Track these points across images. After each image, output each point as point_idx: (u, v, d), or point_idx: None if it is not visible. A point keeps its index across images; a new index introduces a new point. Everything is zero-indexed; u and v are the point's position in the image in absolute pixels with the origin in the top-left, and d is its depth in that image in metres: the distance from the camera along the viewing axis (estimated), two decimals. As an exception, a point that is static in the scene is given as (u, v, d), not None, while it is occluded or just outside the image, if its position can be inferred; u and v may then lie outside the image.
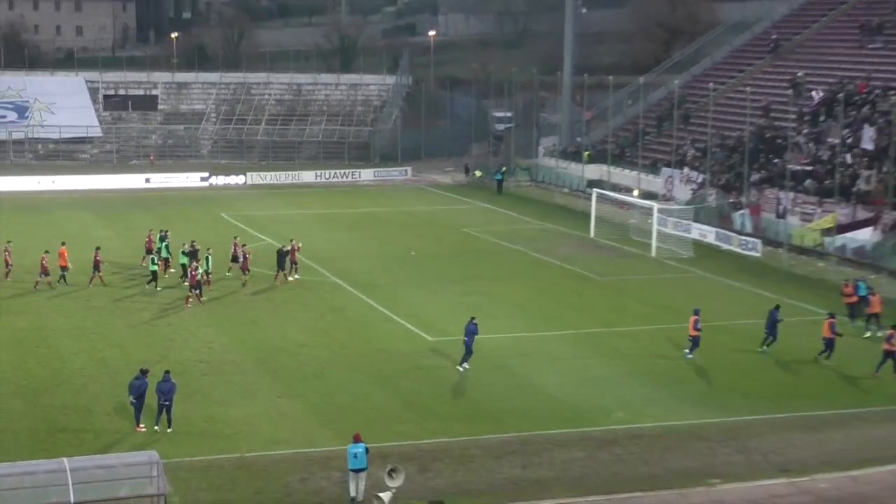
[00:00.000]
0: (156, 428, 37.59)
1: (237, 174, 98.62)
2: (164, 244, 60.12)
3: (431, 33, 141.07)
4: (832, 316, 46.19)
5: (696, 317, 46.61)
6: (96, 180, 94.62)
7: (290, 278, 59.02)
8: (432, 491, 33.36)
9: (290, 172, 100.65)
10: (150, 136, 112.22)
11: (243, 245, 59.95)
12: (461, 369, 44.62)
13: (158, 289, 56.74)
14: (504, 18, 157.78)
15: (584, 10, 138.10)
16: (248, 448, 36.42)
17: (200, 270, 55.08)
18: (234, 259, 59.68)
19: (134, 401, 37.61)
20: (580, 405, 41.08)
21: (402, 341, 48.99)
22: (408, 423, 38.96)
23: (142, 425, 37.55)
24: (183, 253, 58.08)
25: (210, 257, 56.97)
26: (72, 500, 28.90)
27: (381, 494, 31.84)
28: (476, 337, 44.68)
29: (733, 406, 41.11)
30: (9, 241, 60.38)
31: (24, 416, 39.14)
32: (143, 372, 38.08)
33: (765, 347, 47.27)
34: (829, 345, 45.58)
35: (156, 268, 57.38)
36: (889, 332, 44.37)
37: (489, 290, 58.49)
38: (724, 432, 38.45)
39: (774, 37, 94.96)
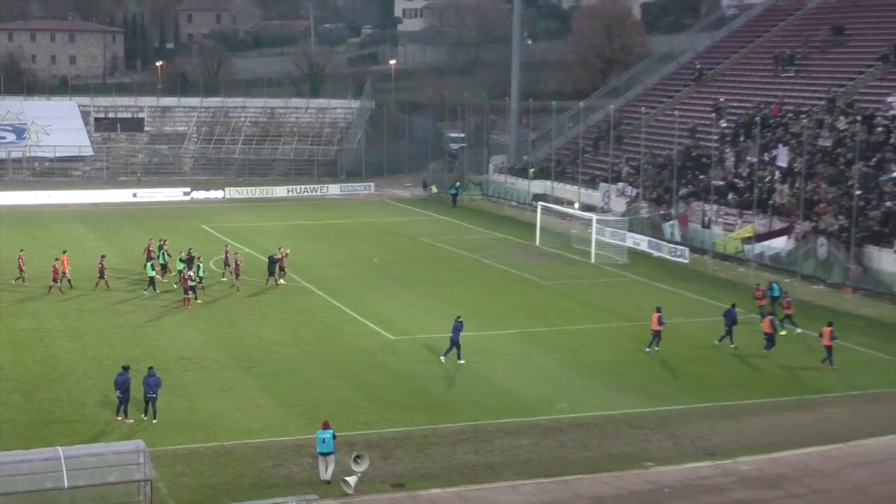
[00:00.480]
0: (143, 418, 37.41)
1: (216, 189, 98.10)
2: (162, 252, 59.98)
3: (392, 62, 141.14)
4: (830, 324, 45.48)
5: (658, 314, 46.94)
6: (88, 195, 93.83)
7: (279, 283, 58.75)
8: (394, 475, 33.29)
9: (264, 187, 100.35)
10: (137, 155, 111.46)
11: (235, 253, 59.85)
12: (443, 360, 44.98)
13: (157, 292, 56.50)
14: (457, 49, 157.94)
15: (529, 42, 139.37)
16: (227, 437, 36.25)
17: (192, 275, 54.91)
18: (226, 264, 59.60)
19: (120, 395, 37.39)
20: (527, 397, 41.11)
21: (365, 340, 48.86)
22: (371, 414, 38.85)
23: (122, 417, 37.33)
24: (180, 260, 57.69)
25: (201, 265, 56.76)
26: (66, 485, 28.74)
27: (347, 478, 31.77)
28: (461, 333, 45.01)
29: (664, 397, 41.28)
30: (21, 250, 60.09)
31: (22, 408, 38.84)
32: (126, 368, 37.85)
33: (721, 341, 47.61)
34: (829, 351, 44.82)
35: (154, 273, 57.17)
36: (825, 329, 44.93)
37: (445, 293, 58.47)
38: (656, 420, 38.58)
39: (698, 66, 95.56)
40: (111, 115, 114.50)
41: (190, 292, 54.18)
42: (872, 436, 37.13)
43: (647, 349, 46.76)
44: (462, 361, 44.82)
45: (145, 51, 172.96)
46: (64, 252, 59.08)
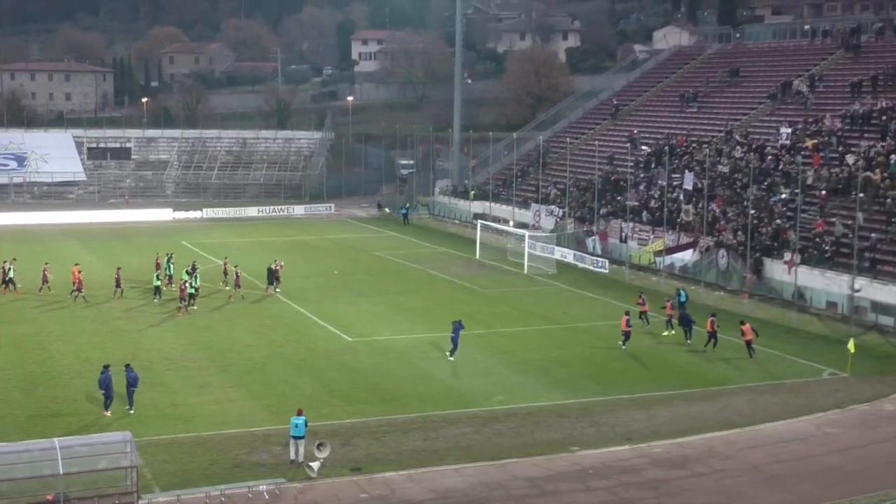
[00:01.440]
0: (130, 411, 37.13)
1: (195, 210, 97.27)
2: (169, 263, 59.58)
3: (349, 98, 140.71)
4: (713, 314, 46.83)
5: (626, 316, 47.37)
6: (81, 215, 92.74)
7: (276, 291, 58.49)
8: (352, 461, 33.08)
9: (237, 208, 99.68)
10: (125, 180, 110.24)
11: (235, 266, 59.38)
12: (451, 359, 44.84)
13: (161, 299, 55.97)
14: (407, 87, 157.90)
15: (469, 81, 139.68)
16: (204, 428, 35.89)
17: (191, 282, 54.52)
18: (226, 275, 59.36)
19: (103, 392, 36.95)
20: (468, 391, 41.01)
21: (327, 342, 48.54)
22: (332, 407, 38.58)
23: (108, 412, 36.93)
24: (186, 272, 56.98)
25: (198, 276, 56.10)
26: (61, 472, 28.49)
27: (311, 464, 31.55)
28: (461, 332, 45.31)
29: (587, 390, 41.32)
30: (46, 263, 59.28)
31: (21, 405, 38.27)
32: (106, 367, 37.44)
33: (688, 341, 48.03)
34: (749, 345, 45.57)
35: (159, 283, 56.75)
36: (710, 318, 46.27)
37: (396, 300, 58.26)
38: (580, 410, 38.61)
39: (615, 103, 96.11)
40: (102, 144, 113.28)
41: (184, 301, 53.53)
42: (766, 422, 37.45)
43: (623, 346, 47.04)
44: (452, 358, 44.85)
45: (132, 88, 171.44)
46: (76, 265, 58.47)
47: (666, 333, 49.40)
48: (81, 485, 29.04)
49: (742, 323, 46.52)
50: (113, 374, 37.33)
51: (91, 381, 40.12)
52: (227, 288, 58.80)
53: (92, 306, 54.94)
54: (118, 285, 57.14)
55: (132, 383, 37.38)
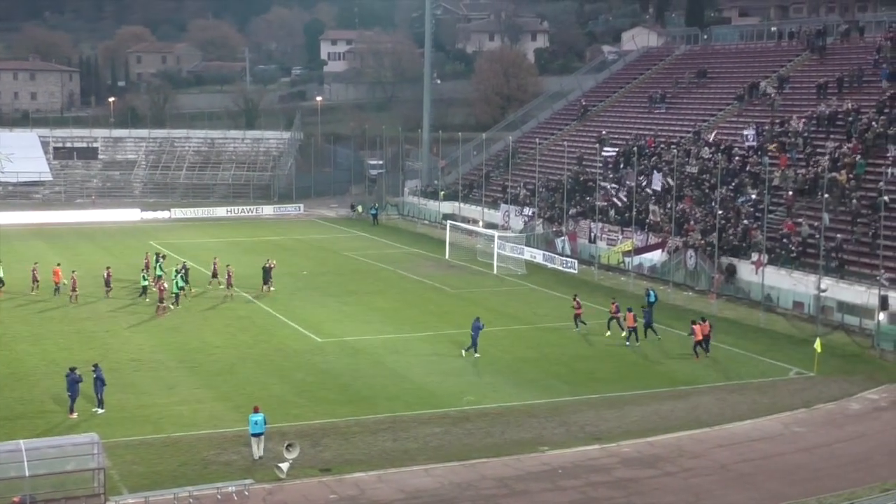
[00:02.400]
0: (99, 411, 36.95)
1: (163, 210, 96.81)
2: (158, 264, 59.50)
3: (318, 98, 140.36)
4: (700, 321, 46.45)
5: (631, 313, 47.81)
6: (48, 215, 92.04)
7: (270, 290, 58.87)
8: (322, 461, 33.01)
9: (206, 208, 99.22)
10: (92, 180, 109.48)
11: (227, 265, 59.53)
12: (476, 356, 45.29)
13: (147, 299, 56.00)
14: (376, 87, 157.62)
15: (439, 81, 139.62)
16: (173, 429, 35.69)
17: (167, 286, 54.59)
18: (214, 275, 59.54)
19: (69, 394, 36.67)
20: (439, 391, 41.01)
21: (296, 342, 48.40)
22: (302, 408, 38.49)
23: (74, 414, 36.65)
24: (176, 271, 57.18)
25: (184, 276, 56.38)
26: (27, 474, 28.26)
27: (280, 465, 31.42)
28: (481, 331, 45.82)
29: (557, 390, 41.44)
30: (35, 263, 59.36)
31: (-14, 407, 37.87)
32: (72, 369, 37.19)
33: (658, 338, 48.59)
34: (704, 344, 45.90)
35: (147, 283, 56.79)
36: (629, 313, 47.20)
37: (365, 301, 58.19)
38: (550, 410, 38.71)
39: (584, 104, 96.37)
40: (68, 144, 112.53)
41: (162, 301, 53.33)
42: (734, 421, 37.69)
43: (627, 343, 47.46)
44: (475, 356, 45.35)
45: (99, 88, 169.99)
46: (58, 264, 59.10)
47: (628, 345, 48.38)
48: (48, 487, 28.82)
49: (693, 322, 46.66)
50: (83, 374, 37.05)
51: (58, 383, 39.74)
52: (220, 287, 58.87)
53: (60, 307, 54.50)
54: (108, 285, 57.49)
55: (101, 383, 37.17)
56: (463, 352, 45.79)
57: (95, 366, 37.96)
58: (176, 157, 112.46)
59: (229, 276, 57.87)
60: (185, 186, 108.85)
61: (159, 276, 58.22)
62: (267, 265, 59.88)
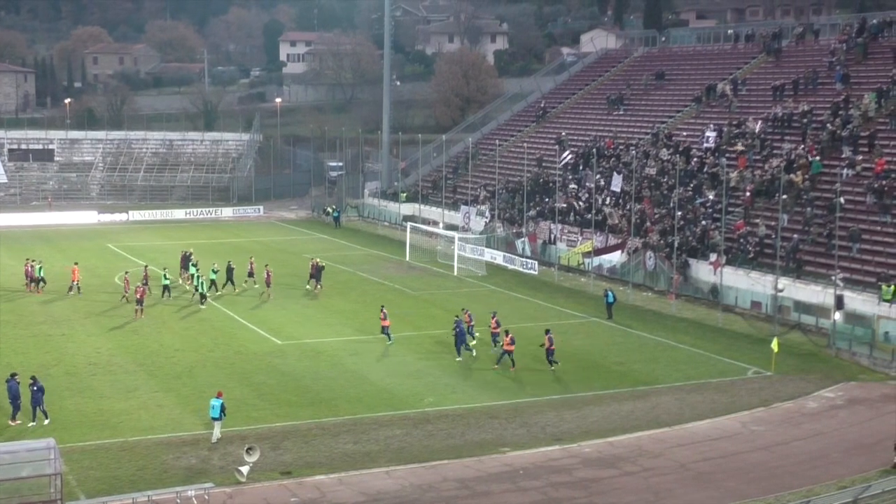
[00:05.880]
0: (30, 425, 35.82)
1: (121, 212, 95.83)
2: (190, 264, 60.41)
3: (278, 100, 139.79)
4: (548, 331, 45.02)
5: (509, 335, 45.30)
6: (3, 218, 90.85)
7: (255, 286, 59.95)
8: (282, 464, 32.83)
9: (164, 210, 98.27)
10: (48, 182, 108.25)
11: (266, 264, 60.60)
12: (458, 359, 45.46)
13: (170, 298, 56.95)
14: (335, 89, 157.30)
15: (398, 83, 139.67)
16: (131, 434, 35.32)
17: (148, 289, 55.01)
18: (250, 275, 60.69)
19: (11, 400, 36.01)
20: (399, 393, 40.94)
21: (257, 345, 48.11)
22: (262, 410, 38.27)
23: (14, 420, 35.98)
24: (213, 271, 58.43)
25: (200, 277, 57.14)
26: (-19, 481, 27.75)
27: (240, 468, 31.21)
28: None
29: (517, 391, 41.51)
30: (29, 259, 59.80)
31: (-60, 412, 37.24)
32: (13, 375, 36.45)
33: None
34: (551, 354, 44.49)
35: (168, 282, 57.52)
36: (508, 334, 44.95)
37: (326, 303, 57.97)
38: (510, 411, 38.76)
39: (543, 105, 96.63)
40: (23, 146, 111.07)
41: (140, 304, 52.88)
42: (693, 420, 37.95)
43: (473, 352, 46.46)
44: (459, 359, 45.61)
45: (55, 89, 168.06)
46: (75, 263, 59.96)
47: (473, 343, 47.09)
48: (4, 493, 28.36)
49: (547, 332, 44.84)
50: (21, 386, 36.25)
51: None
52: (255, 286, 59.87)
53: (13, 309, 53.80)
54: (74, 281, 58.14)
55: (41, 393, 35.89)
56: (473, 352, 46.15)
57: (34, 378, 36.53)
58: (133, 158, 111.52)
59: (268, 275, 58.70)
60: (142, 188, 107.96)
61: (192, 275, 58.91)
62: (248, 267, 61.12)
